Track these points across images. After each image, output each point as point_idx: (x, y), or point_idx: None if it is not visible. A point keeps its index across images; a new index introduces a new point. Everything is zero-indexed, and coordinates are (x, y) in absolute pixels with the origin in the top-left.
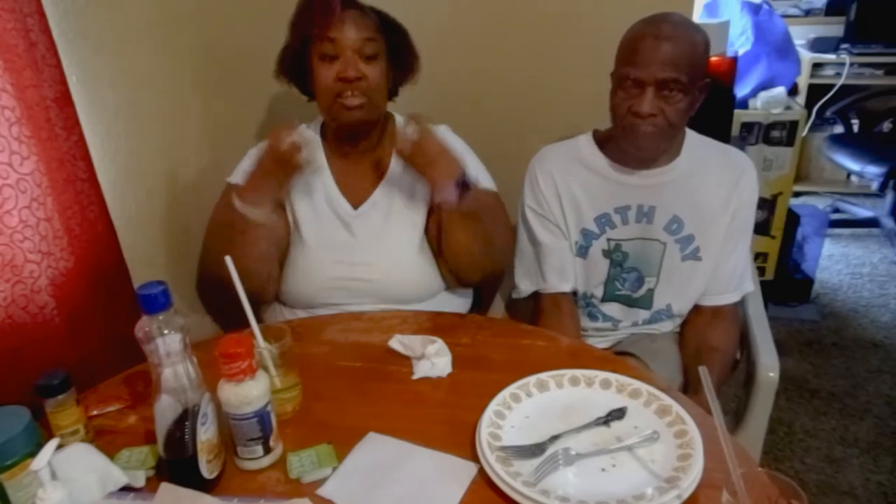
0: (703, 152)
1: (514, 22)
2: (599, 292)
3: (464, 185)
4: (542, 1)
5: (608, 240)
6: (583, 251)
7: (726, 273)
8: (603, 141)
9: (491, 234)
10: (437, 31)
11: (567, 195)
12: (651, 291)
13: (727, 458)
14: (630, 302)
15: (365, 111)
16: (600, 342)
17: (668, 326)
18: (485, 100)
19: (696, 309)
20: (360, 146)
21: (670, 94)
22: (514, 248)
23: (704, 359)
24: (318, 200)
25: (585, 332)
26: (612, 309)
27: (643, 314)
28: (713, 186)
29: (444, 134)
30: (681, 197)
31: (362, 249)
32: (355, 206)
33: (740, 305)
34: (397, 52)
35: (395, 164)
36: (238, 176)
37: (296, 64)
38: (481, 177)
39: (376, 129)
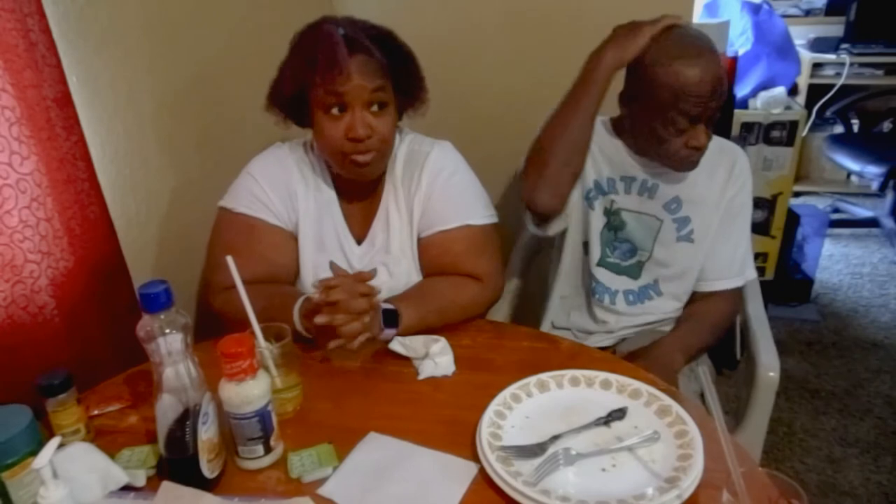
0: None
1: (515, 25)
2: (597, 249)
3: (389, 317)
4: (544, 4)
5: (612, 201)
6: (590, 201)
7: (725, 258)
8: (618, 129)
9: (465, 308)
10: (437, 37)
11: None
12: (640, 264)
13: (727, 458)
14: (619, 270)
15: (377, 165)
16: (604, 338)
17: (668, 326)
18: (486, 103)
19: (694, 294)
20: (364, 188)
21: (713, 120)
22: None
23: (684, 320)
24: (327, 239)
25: (589, 333)
26: (603, 275)
27: (631, 285)
28: (710, 173)
29: (443, 152)
30: (682, 180)
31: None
32: (359, 240)
33: (740, 304)
34: (405, 87)
35: (387, 194)
36: (232, 201)
37: (291, 103)
38: (468, 205)
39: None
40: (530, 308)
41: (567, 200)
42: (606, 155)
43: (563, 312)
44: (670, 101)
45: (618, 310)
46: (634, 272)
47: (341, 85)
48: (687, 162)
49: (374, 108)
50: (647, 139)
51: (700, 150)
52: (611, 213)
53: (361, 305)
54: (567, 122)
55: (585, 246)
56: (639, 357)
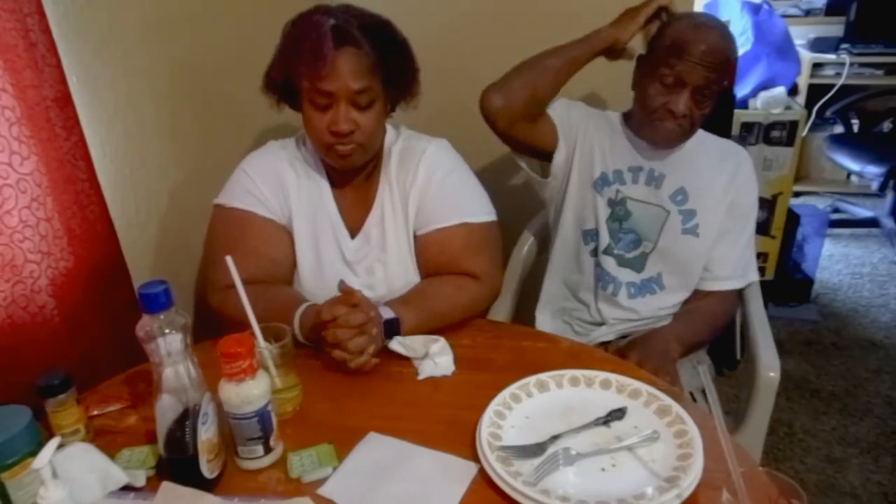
0: (705, 137)
1: (516, 22)
2: (605, 236)
3: (390, 327)
4: (546, 1)
5: (617, 191)
6: (598, 189)
7: (732, 259)
8: (628, 121)
9: (465, 308)
10: (435, 33)
11: (598, 138)
12: (645, 256)
13: (727, 458)
14: (622, 262)
15: (358, 157)
16: (607, 332)
17: (665, 322)
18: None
19: (693, 292)
20: (354, 181)
21: (702, 99)
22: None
23: (683, 313)
24: (321, 232)
25: (585, 337)
26: (609, 264)
27: (633, 278)
28: (715, 169)
29: (440, 149)
30: (688, 171)
31: (361, 286)
32: (353, 234)
33: (740, 305)
34: (395, 81)
35: (381, 190)
36: (225, 197)
37: (283, 87)
38: (466, 203)
39: (371, 160)
40: (531, 308)
41: (512, 117)
42: (616, 147)
43: (561, 301)
44: (665, 55)
45: (619, 302)
46: (638, 264)
47: (327, 82)
48: (663, 130)
49: (361, 104)
50: (640, 105)
51: (675, 117)
52: (616, 203)
53: (359, 318)
54: (547, 60)
55: (585, 236)
56: (635, 346)
